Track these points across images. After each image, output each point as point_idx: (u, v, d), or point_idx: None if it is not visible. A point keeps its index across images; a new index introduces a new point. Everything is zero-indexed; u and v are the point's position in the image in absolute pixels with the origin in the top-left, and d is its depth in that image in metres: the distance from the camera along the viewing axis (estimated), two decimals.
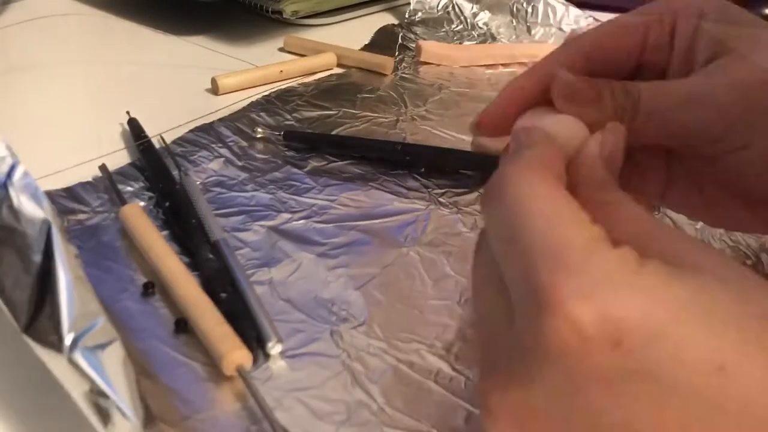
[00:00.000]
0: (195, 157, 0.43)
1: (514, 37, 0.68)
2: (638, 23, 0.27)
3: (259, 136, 0.46)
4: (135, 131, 0.45)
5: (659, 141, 0.26)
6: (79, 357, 0.23)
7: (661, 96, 0.25)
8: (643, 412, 0.17)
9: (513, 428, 0.19)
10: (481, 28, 0.69)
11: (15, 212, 0.25)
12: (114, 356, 0.24)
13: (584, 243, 0.18)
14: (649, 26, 0.27)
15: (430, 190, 0.42)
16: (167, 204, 0.38)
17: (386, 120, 0.50)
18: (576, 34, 0.28)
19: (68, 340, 0.23)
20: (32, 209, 0.25)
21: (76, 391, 0.23)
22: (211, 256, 0.34)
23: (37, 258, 0.25)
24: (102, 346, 0.23)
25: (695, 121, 0.25)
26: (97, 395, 0.23)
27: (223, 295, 0.32)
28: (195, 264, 0.34)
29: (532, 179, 0.20)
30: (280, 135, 0.45)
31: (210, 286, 0.32)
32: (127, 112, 0.46)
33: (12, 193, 0.26)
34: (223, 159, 0.43)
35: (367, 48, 0.62)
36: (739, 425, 0.17)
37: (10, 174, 0.26)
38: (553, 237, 0.19)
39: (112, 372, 0.23)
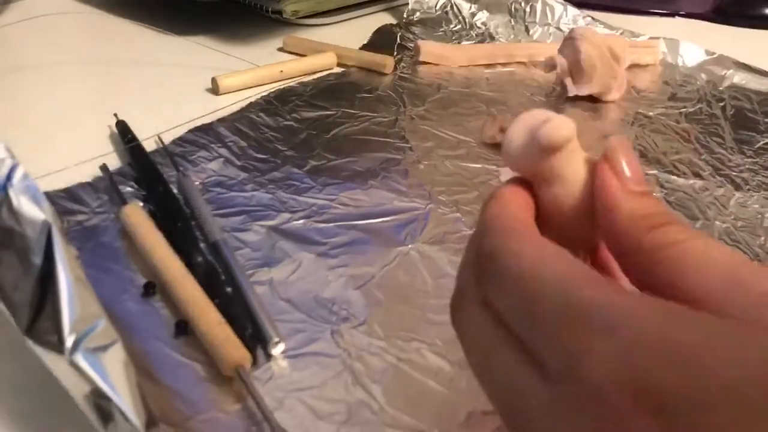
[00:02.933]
0: (194, 157, 0.43)
1: (512, 36, 0.68)
2: None
3: None
4: (123, 133, 0.45)
5: None
6: (80, 359, 0.23)
7: None
8: None
9: None
10: (479, 27, 0.69)
11: (15, 214, 0.25)
12: (115, 358, 0.24)
13: (614, 301, 0.17)
14: None
15: (429, 188, 0.42)
16: (154, 206, 0.38)
17: (385, 119, 0.50)
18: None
19: (69, 341, 0.23)
20: (32, 211, 0.25)
21: (78, 393, 0.23)
22: (200, 258, 0.34)
23: (38, 260, 0.25)
24: (103, 348, 0.23)
25: None
26: (98, 397, 0.23)
27: (226, 293, 0.31)
28: (192, 265, 0.34)
29: (526, 245, 0.20)
30: None
31: (210, 287, 0.32)
32: (115, 115, 0.46)
33: (12, 194, 0.26)
34: (222, 159, 0.44)
35: (365, 48, 0.62)
36: None
37: (9, 176, 0.26)
38: (573, 299, 0.18)
39: (114, 374, 0.23)
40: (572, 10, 0.69)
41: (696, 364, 0.16)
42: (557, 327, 0.18)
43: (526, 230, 0.21)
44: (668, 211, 0.20)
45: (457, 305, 0.22)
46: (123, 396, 0.23)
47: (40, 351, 0.24)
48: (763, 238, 0.39)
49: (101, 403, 0.22)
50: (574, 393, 0.17)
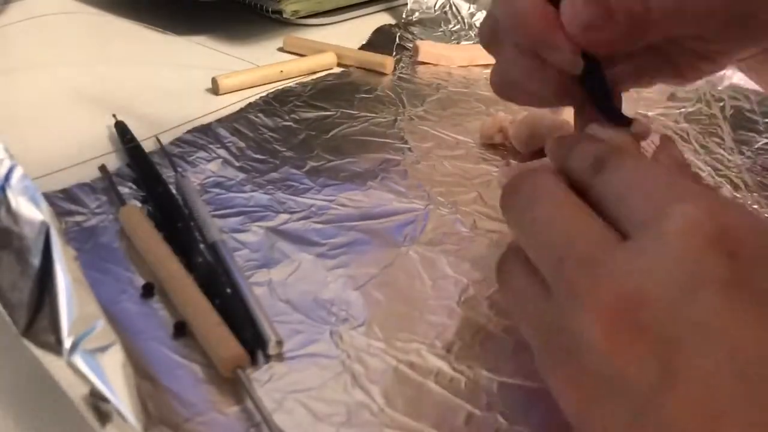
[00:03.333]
0: (193, 158, 0.43)
1: None
2: None
3: None
4: (122, 134, 0.45)
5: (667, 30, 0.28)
6: (78, 360, 0.23)
7: None
8: (749, 329, 0.18)
9: (628, 307, 0.19)
10: (478, 28, 0.69)
11: (13, 215, 0.25)
12: (113, 359, 0.24)
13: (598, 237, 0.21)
14: None
15: (428, 189, 0.42)
16: (152, 206, 0.38)
17: (384, 120, 0.50)
18: None
19: (68, 343, 0.23)
20: (30, 211, 0.25)
21: (76, 394, 0.23)
22: (199, 259, 0.34)
23: (36, 261, 0.25)
24: (101, 349, 0.23)
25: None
26: (96, 398, 0.23)
27: (225, 294, 0.31)
28: (191, 265, 0.34)
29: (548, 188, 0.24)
30: None
31: (209, 288, 0.32)
32: (114, 115, 0.46)
33: (10, 195, 0.26)
34: (221, 160, 0.43)
35: (364, 48, 0.62)
36: None
37: (8, 176, 0.26)
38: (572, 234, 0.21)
39: (112, 375, 0.23)
40: None
41: (761, 223, 0.19)
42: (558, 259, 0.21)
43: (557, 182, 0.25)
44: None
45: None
46: (121, 397, 0.23)
47: (38, 352, 0.24)
48: None
49: (99, 404, 0.22)
50: (659, 236, 0.19)
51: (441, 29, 0.68)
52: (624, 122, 0.29)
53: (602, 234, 0.21)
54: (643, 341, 0.18)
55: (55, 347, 0.23)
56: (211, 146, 0.45)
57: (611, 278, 0.19)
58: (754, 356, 0.17)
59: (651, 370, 0.18)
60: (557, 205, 0.23)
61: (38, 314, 0.24)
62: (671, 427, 0.17)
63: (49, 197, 0.37)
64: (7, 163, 0.26)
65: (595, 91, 0.30)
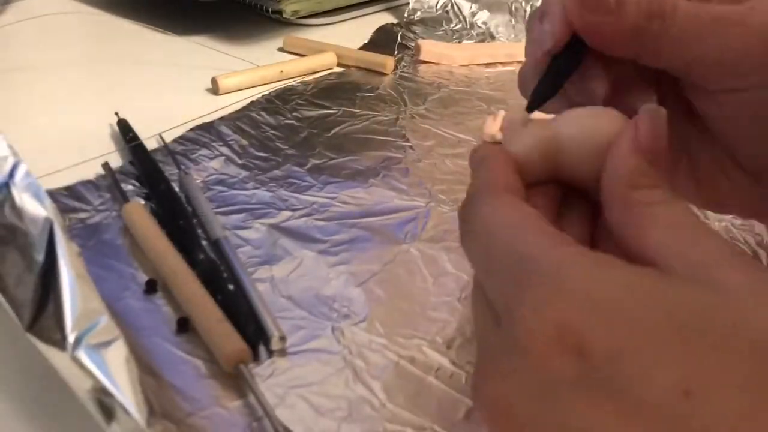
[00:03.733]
0: (195, 155, 0.44)
1: (512, 35, 0.68)
2: None
3: None
4: (124, 132, 0.45)
5: (673, 68, 0.25)
6: (82, 355, 0.23)
7: (694, 14, 0.23)
8: (609, 425, 0.17)
9: (494, 416, 0.19)
10: (479, 27, 0.69)
11: (18, 211, 0.26)
12: (117, 354, 0.24)
13: (547, 253, 0.19)
14: None
15: (430, 187, 0.42)
16: (155, 204, 0.38)
17: (386, 118, 0.50)
18: None
19: (71, 338, 0.23)
20: (35, 208, 0.26)
21: (80, 388, 0.23)
22: (201, 256, 0.34)
23: (40, 257, 0.25)
24: (105, 344, 0.24)
25: (725, 47, 0.23)
26: (100, 393, 0.23)
27: (227, 290, 0.32)
28: (194, 262, 0.34)
29: (491, 201, 0.21)
30: None
31: (211, 284, 0.32)
32: (116, 113, 0.46)
33: (14, 192, 0.26)
34: (223, 157, 0.44)
35: (366, 47, 0.62)
36: None
37: (12, 173, 0.26)
38: (515, 252, 0.20)
39: (116, 370, 0.23)
40: None
41: (612, 313, 0.17)
42: (501, 276, 0.20)
43: (499, 191, 0.22)
44: (661, 177, 0.21)
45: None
46: (125, 392, 0.23)
47: (42, 347, 0.24)
48: (762, 237, 0.39)
49: (103, 398, 0.23)
50: (511, 336, 0.19)
51: (442, 28, 0.69)
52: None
53: (488, 314, 0.21)
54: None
55: (60, 342, 0.23)
56: (213, 144, 0.45)
57: (486, 384, 0.19)
58: None
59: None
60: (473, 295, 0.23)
61: (42, 310, 0.24)
62: None
63: (53, 195, 0.37)
64: (11, 161, 0.26)
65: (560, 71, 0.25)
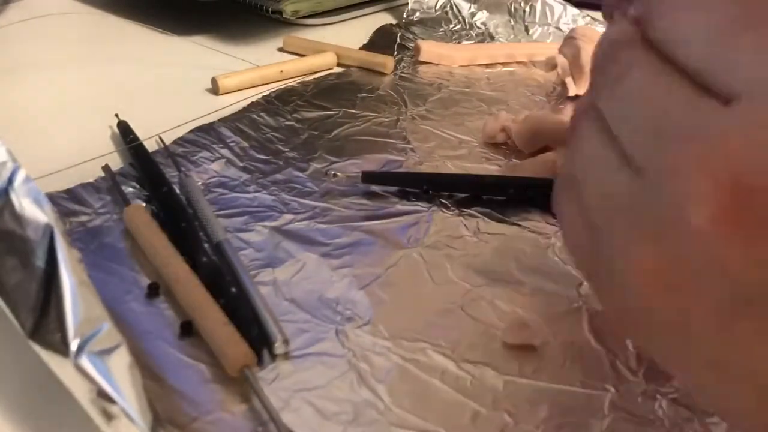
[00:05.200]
0: (196, 157, 0.43)
1: (512, 36, 0.68)
2: None
3: (334, 180, 0.42)
4: (124, 133, 0.44)
5: None
6: (85, 362, 0.23)
7: None
8: None
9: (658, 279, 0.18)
10: (479, 27, 0.69)
11: (17, 217, 0.25)
12: (120, 361, 0.23)
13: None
14: None
15: (432, 192, 0.42)
16: (156, 206, 0.38)
17: (387, 120, 0.50)
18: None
19: (74, 345, 0.23)
20: (35, 214, 0.25)
21: (83, 396, 0.23)
22: (204, 259, 0.34)
23: (41, 263, 0.25)
24: (108, 351, 0.23)
25: None
26: (104, 400, 0.22)
27: (230, 293, 0.31)
28: (196, 265, 0.34)
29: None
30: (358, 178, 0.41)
31: (214, 287, 0.32)
32: (116, 115, 0.46)
33: (14, 198, 0.26)
34: (224, 160, 0.43)
35: (365, 48, 0.62)
36: None
37: (11, 179, 0.26)
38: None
39: (119, 376, 0.23)
40: (572, 10, 0.69)
41: None
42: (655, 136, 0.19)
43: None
44: None
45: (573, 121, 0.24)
46: (129, 399, 0.23)
47: (44, 354, 0.24)
48: None
49: (107, 406, 0.22)
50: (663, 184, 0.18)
51: (442, 29, 0.68)
52: None
53: (704, 102, 0.18)
54: (757, 231, 0.16)
55: (62, 349, 0.23)
56: (214, 146, 0.45)
57: (720, 153, 0.17)
58: None
59: (761, 265, 0.16)
60: (653, 75, 0.20)
61: (44, 317, 0.24)
62: None
63: (52, 197, 0.37)
64: (10, 166, 0.26)
65: None
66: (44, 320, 0.24)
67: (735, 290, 0.17)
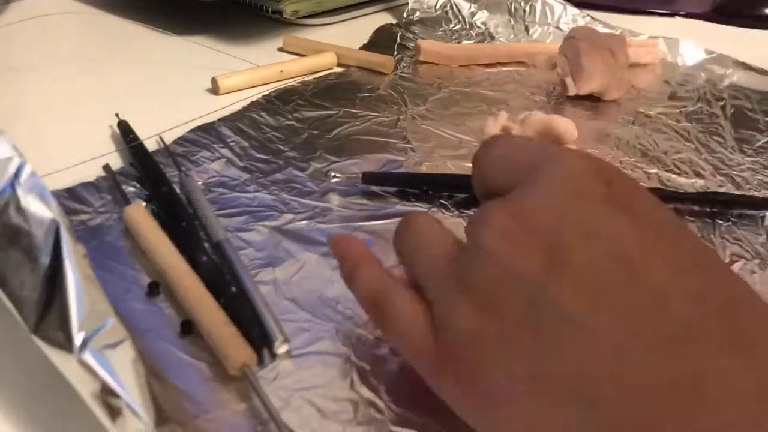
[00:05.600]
0: (196, 157, 0.43)
1: (512, 36, 0.68)
2: None
3: (334, 180, 0.42)
4: (125, 133, 0.45)
5: None
6: (89, 357, 0.23)
7: None
8: (622, 225, 0.22)
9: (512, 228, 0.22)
10: (479, 27, 0.69)
11: (23, 212, 0.25)
12: (124, 356, 0.24)
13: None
14: None
15: (432, 193, 0.42)
16: (157, 205, 0.38)
17: (387, 119, 0.50)
18: None
19: (78, 340, 0.23)
20: (40, 209, 0.25)
21: (87, 390, 0.23)
22: (204, 258, 0.34)
23: (46, 258, 0.25)
24: (112, 346, 0.23)
25: None
26: (107, 395, 0.23)
27: (230, 292, 0.32)
28: (196, 264, 0.34)
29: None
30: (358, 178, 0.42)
31: (214, 286, 0.32)
32: (116, 114, 0.46)
33: (19, 193, 0.26)
34: (224, 159, 0.44)
35: (365, 48, 0.62)
36: None
37: (17, 174, 0.26)
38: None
39: (123, 371, 0.23)
40: (572, 10, 0.69)
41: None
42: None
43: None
44: None
45: None
46: (132, 393, 0.23)
47: (47, 349, 0.24)
48: (764, 237, 0.39)
49: (111, 400, 0.23)
50: (545, 176, 0.24)
51: (442, 29, 0.69)
52: None
53: None
54: (533, 240, 0.22)
55: (66, 344, 0.23)
56: (214, 146, 0.45)
57: (503, 208, 0.23)
58: (629, 243, 0.21)
59: (542, 261, 0.21)
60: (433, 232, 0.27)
61: (48, 312, 0.24)
62: (560, 304, 0.20)
63: (53, 196, 0.37)
64: (16, 161, 0.26)
65: None
66: (48, 315, 0.24)
67: None
